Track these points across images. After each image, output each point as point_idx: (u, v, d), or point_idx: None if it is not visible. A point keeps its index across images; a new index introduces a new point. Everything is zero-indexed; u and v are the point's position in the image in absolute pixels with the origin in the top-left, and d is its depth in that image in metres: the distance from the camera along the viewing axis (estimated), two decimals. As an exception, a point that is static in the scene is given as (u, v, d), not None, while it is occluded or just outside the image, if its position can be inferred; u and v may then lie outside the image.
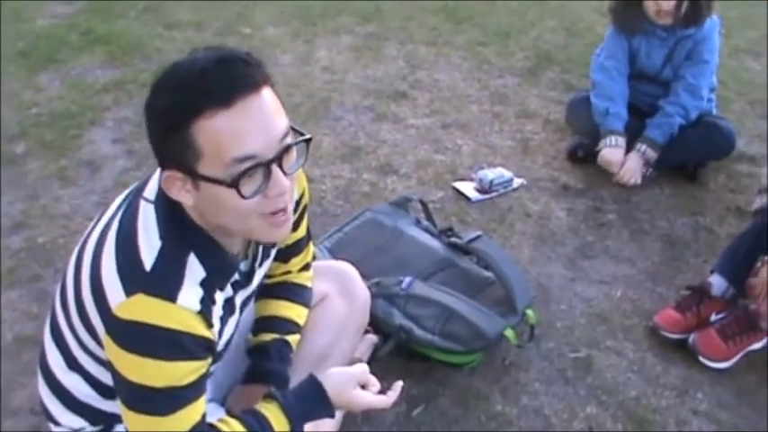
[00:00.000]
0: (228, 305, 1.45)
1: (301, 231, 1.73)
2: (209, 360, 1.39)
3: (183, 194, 1.30)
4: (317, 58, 4.37)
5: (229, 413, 1.51)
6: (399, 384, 1.60)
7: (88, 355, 1.46)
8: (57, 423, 1.57)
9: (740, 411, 2.23)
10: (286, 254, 1.73)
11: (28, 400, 2.13)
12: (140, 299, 1.28)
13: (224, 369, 1.62)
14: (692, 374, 2.35)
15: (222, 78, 1.22)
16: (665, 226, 3.03)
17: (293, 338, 1.72)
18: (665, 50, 3.18)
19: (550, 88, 4.09)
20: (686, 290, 2.55)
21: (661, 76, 3.24)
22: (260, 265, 1.56)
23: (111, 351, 1.32)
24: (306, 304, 1.79)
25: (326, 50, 4.47)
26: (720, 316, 2.45)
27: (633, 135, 3.19)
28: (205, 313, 1.34)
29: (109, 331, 1.31)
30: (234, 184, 1.24)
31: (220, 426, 1.41)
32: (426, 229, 2.60)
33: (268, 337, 1.70)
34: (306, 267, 1.82)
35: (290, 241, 1.71)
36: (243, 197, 1.25)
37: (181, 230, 1.34)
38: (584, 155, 3.36)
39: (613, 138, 3.17)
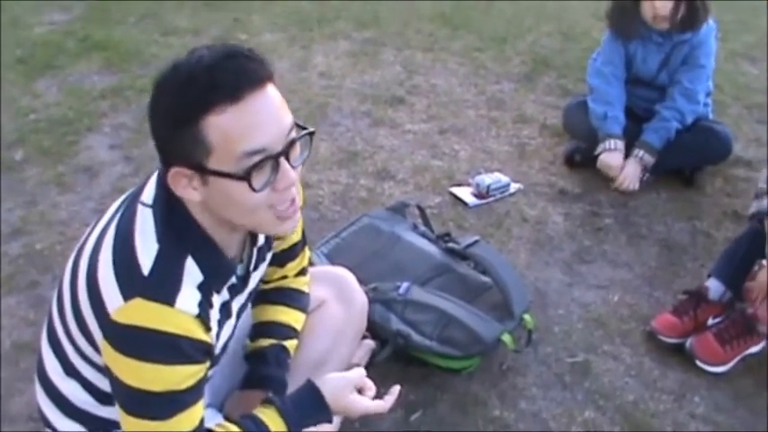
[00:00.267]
0: (225, 309, 1.45)
1: (296, 235, 1.74)
2: (208, 364, 1.39)
3: (190, 191, 1.30)
4: (313, 63, 4.38)
5: (227, 418, 1.51)
6: (396, 389, 1.61)
7: (85, 362, 1.45)
8: (54, 429, 1.57)
9: (737, 415, 2.23)
10: (281, 258, 1.73)
11: (26, 407, 2.13)
12: (138, 303, 1.28)
13: (221, 375, 1.62)
14: (689, 378, 2.35)
15: (230, 73, 1.23)
16: (662, 230, 3.03)
17: (291, 344, 1.72)
18: (662, 55, 3.19)
19: (547, 93, 4.10)
20: (683, 294, 2.55)
21: (657, 80, 3.25)
22: (255, 268, 1.56)
23: (109, 356, 1.32)
24: (303, 309, 1.79)
25: (323, 56, 4.48)
26: (717, 320, 2.46)
27: (630, 139, 3.20)
28: (203, 317, 1.34)
29: (106, 336, 1.31)
30: (245, 177, 1.25)
31: (218, 430, 1.42)
32: (423, 235, 2.60)
33: (265, 342, 1.70)
34: (302, 272, 1.82)
35: (285, 245, 1.72)
36: (254, 190, 1.26)
37: (178, 233, 1.34)
38: (580, 159, 3.37)
39: (612, 142, 3.18)
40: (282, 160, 1.29)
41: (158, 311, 1.28)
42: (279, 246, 1.69)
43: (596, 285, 2.73)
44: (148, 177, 1.43)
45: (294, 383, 1.60)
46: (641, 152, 3.16)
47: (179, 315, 1.30)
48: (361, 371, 1.59)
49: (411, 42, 4.71)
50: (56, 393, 1.54)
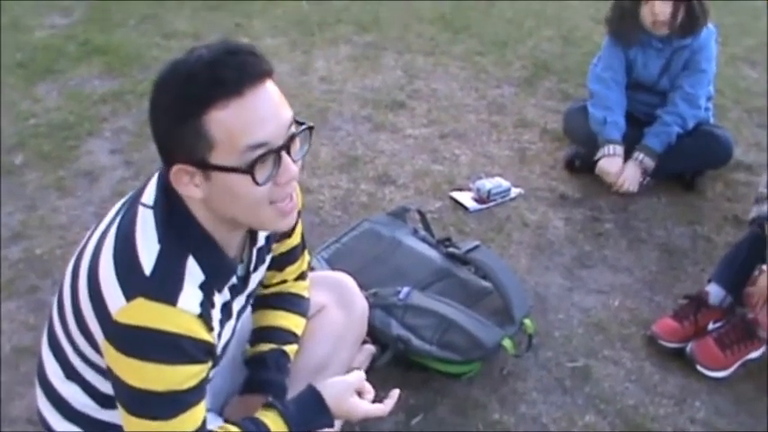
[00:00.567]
0: (226, 309, 1.45)
1: (296, 239, 1.74)
2: (210, 364, 1.40)
3: (192, 189, 1.31)
4: (314, 68, 4.38)
5: (228, 422, 1.51)
6: (396, 392, 1.61)
7: (86, 364, 1.45)
8: (54, 433, 1.57)
9: (738, 419, 2.23)
10: (281, 262, 1.73)
11: (26, 411, 2.13)
12: (141, 303, 1.28)
13: (221, 379, 1.62)
14: (689, 383, 2.35)
15: (232, 68, 1.25)
16: (663, 235, 3.03)
17: (291, 348, 1.72)
18: (662, 61, 3.19)
19: (548, 98, 4.10)
20: (684, 299, 2.55)
21: (658, 86, 3.25)
22: (255, 269, 1.56)
23: (111, 357, 1.32)
24: (303, 314, 1.79)
25: (324, 60, 4.48)
26: (718, 325, 2.46)
27: (630, 144, 3.19)
28: (205, 316, 1.35)
29: (108, 337, 1.31)
30: (249, 170, 1.26)
31: (218, 431, 1.42)
32: (424, 240, 2.60)
33: (266, 347, 1.70)
34: (302, 276, 1.82)
35: (284, 249, 1.72)
36: (257, 183, 1.27)
37: (179, 233, 1.35)
38: (581, 164, 3.37)
39: (611, 147, 3.18)
40: (284, 154, 1.30)
41: (161, 311, 1.29)
42: (278, 249, 1.69)
43: (597, 290, 2.72)
44: (149, 179, 1.43)
45: (294, 388, 1.61)
46: (641, 155, 3.16)
47: (181, 315, 1.30)
48: (360, 373, 1.59)
49: (412, 46, 4.71)
50: (56, 397, 1.54)
